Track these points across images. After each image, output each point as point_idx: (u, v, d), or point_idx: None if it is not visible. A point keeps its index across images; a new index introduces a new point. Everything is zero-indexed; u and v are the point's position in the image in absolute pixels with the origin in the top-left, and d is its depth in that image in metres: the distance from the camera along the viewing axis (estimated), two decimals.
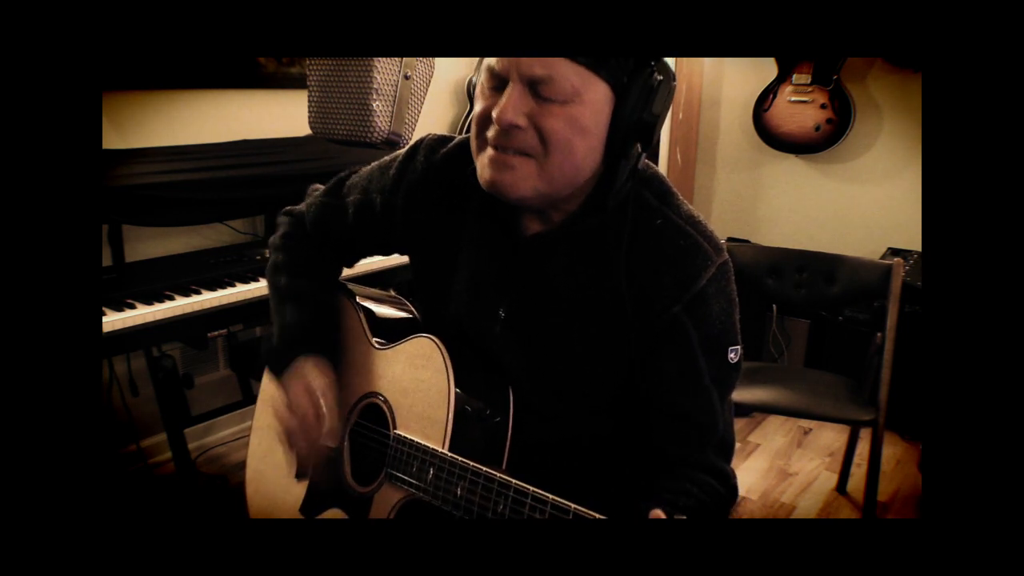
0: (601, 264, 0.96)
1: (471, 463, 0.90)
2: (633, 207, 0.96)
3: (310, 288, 1.16)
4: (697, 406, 0.97)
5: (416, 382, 1.01)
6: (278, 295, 1.16)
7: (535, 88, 0.86)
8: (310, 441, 1.05)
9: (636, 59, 0.87)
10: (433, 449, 0.95)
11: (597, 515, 0.78)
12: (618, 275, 0.95)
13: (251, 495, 1.22)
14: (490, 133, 0.90)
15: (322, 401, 1.05)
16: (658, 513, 0.81)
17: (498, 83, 0.89)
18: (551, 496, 0.82)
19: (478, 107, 0.92)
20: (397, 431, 1.01)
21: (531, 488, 0.83)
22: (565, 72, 0.85)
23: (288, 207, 1.26)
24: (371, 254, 1.24)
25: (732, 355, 0.98)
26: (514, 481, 0.85)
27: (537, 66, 0.85)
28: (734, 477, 0.99)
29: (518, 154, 0.89)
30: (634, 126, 0.89)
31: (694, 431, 0.97)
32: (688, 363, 0.95)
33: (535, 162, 0.89)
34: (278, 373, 1.10)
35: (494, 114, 0.87)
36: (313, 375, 1.07)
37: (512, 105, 0.86)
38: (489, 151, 0.91)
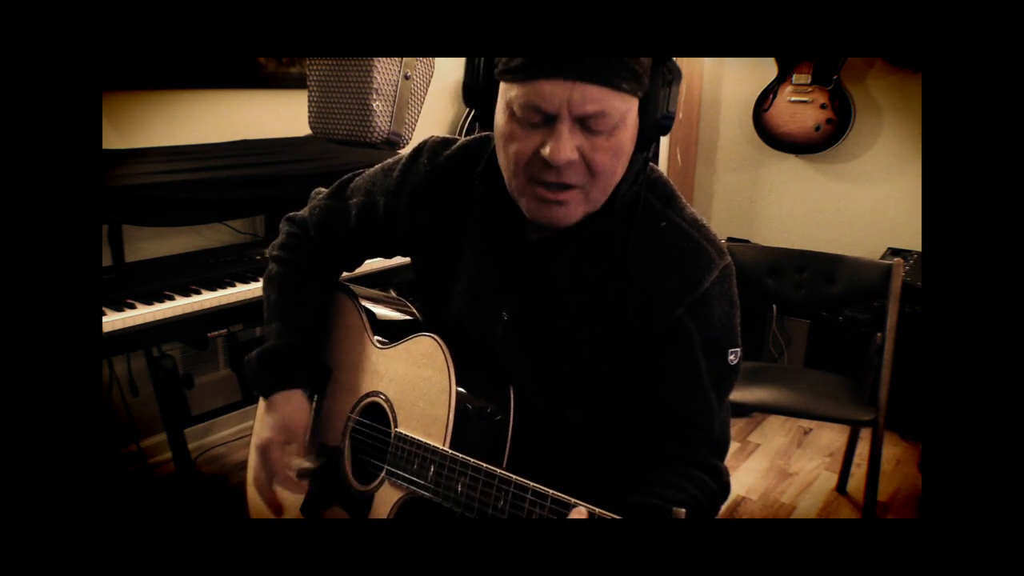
0: (605, 266, 0.97)
1: (472, 460, 0.90)
2: (637, 210, 0.97)
3: (300, 306, 1.16)
4: (696, 406, 0.97)
5: (417, 380, 1.02)
6: (268, 311, 1.17)
7: (584, 123, 0.85)
8: (265, 489, 1.09)
9: (653, 64, 0.87)
10: (434, 447, 0.95)
11: (598, 509, 0.78)
12: (622, 277, 0.96)
13: (252, 496, 1.22)
14: (539, 171, 0.88)
15: (289, 450, 1.08)
16: (680, 512, 0.81)
17: (541, 120, 0.86)
18: (551, 491, 0.82)
19: (515, 146, 0.88)
20: (398, 429, 1.01)
21: (531, 483, 0.84)
22: (615, 104, 0.84)
23: (290, 213, 1.26)
24: (374, 256, 1.24)
25: (732, 357, 0.99)
26: (514, 477, 0.86)
27: (589, 103, 0.83)
28: (727, 474, 1.00)
29: (567, 188, 0.89)
30: (655, 129, 0.90)
31: (691, 430, 0.98)
32: (689, 364, 0.96)
33: (581, 192, 0.90)
34: (260, 396, 1.13)
35: (546, 154, 0.85)
36: (288, 420, 1.09)
37: (567, 144, 0.85)
38: (538, 189, 0.90)
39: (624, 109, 0.86)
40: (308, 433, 1.11)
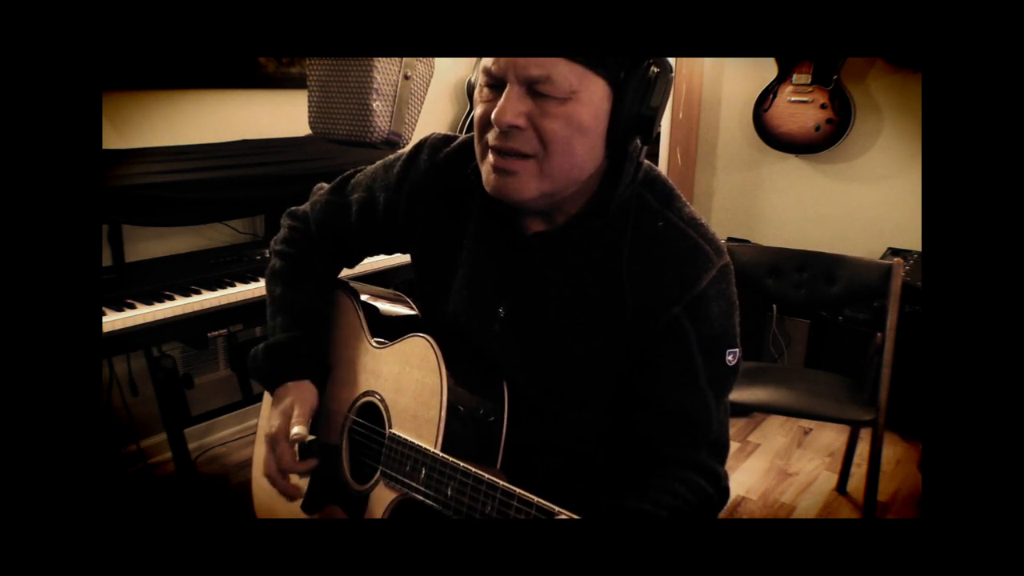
0: (602, 265, 0.97)
1: (461, 463, 0.90)
2: (635, 209, 0.97)
3: (304, 299, 1.16)
4: (692, 406, 0.96)
5: (410, 382, 1.02)
6: (272, 305, 1.17)
7: (533, 88, 0.86)
8: (277, 478, 1.06)
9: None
10: (425, 449, 0.95)
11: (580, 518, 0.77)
12: (619, 276, 0.96)
13: (256, 496, 1.23)
14: (490, 136, 0.90)
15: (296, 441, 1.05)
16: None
17: (496, 84, 0.89)
18: (536, 499, 0.82)
19: (478, 111, 0.92)
20: (392, 430, 1.01)
21: (518, 490, 0.83)
22: (562, 71, 0.85)
23: (291, 208, 1.26)
24: (374, 253, 1.24)
25: (730, 357, 0.98)
26: (501, 483, 0.85)
27: (534, 66, 0.85)
28: (726, 478, 0.99)
29: (519, 157, 0.89)
30: (633, 121, 0.90)
31: (688, 429, 0.97)
32: (685, 363, 0.95)
33: (535, 163, 0.89)
34: (267, 390, 1.12)
35: (493, 116, 0.88)
36: (295, 407, 1.07)
37: (511, 106, 0.87)
38: (491, 157, 0.92)
39: (575, 80, 0.86)
40: (313, 413, 1.10)
